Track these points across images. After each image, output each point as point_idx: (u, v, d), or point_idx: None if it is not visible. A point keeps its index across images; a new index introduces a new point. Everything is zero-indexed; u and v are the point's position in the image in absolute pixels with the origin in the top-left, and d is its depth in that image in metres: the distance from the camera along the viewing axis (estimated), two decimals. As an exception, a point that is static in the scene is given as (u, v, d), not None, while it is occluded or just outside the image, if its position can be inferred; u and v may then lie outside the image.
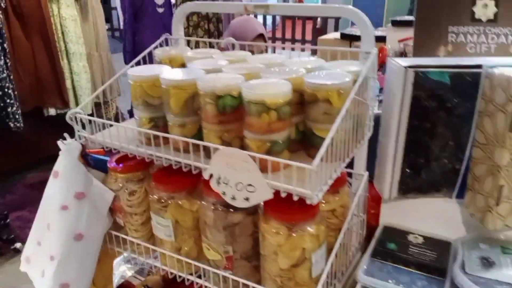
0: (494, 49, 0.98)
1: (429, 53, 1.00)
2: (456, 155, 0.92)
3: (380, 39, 2.09)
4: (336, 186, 0.90)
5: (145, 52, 1.13)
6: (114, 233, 1.08)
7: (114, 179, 1.05)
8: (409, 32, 2.30)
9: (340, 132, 0.79)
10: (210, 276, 0.93)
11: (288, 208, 0.79)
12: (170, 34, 1.22)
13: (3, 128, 2.99)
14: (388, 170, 0.96)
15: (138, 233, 1.05)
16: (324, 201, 0.91)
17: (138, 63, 1.10)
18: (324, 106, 0.81)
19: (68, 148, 1.01)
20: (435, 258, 0.91)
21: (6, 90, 2.92)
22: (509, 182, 0.86)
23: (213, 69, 0.92)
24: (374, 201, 1.07)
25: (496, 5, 0.96)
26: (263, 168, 0.74)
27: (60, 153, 1.02)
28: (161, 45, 1.19)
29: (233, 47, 1.22)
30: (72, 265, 1.03)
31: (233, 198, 0.78)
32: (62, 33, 3.31)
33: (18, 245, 2.78)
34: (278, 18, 8.09)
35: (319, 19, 7.45)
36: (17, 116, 3.01)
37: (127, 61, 3.68)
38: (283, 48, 7.03)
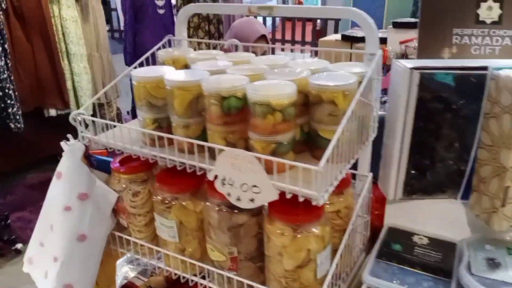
0: (499, 51, 0.98)
1: (434, 55, 1.00)
2: (461, 157, 0.92)
3: (381, 41, 2.09)
4: (341, 187, 0.90)
5: (148, 53, 1.13)
6: (117, 234, 1.07)
7: (118, 180, 1.05)
8: (410, 34, 2.32)
9: (346, 133, 0.78)
10: (215, 277, 0.93)
11: (293, 209, 0.79)
12: (170, 34, 1.22)
13: (3, 128, 3.00)
14: (393, 171, 0.96)
15: (141, 234, 1.05)
16: (328, 202, 0.91)
17: (141, 64, 1.09)
18: (329, 108, 0.81)
19: (71, 149, 1.01)
20: (441, 259, 0.91)
21: (6, 91, 2.92)
22: (514, 183, 0.86)
23: (217, 70, 0.92)
24: (378, 202, 1.07)
25: (501, 8, 0.96)
26: (268, 169, 0.74)
27: (63, 154, 1.02)
28: (163, 46, 1.19)
29: (236, 48, 1.22)
30: (75, 266, 1.02)
31: (238, 199, 0.77)
32: (63, 34, 3.31)
33: (19, 245, 2.77)
34: (277, 20, 8.09)
35: (318, 21, 7.46)
36: (17, 117, 3.01)
37: (127, 62, 3.68)
38: (282, 50, 7.03)
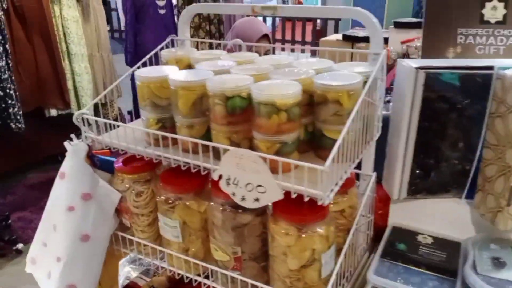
0: (503, 51, 0.98)
1: (438, 55, 1.00)
2: (466, 156, 0.92)
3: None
4: (345, 187, 0.90)
5: (152, 53, 1.12)
6: (120, 234, 1.07)
7: (121, 180, 1.05)
8: (411, 34, 2.32)
9: (351, 133, 0.78)
10: (218, 276, 0.93)
11: (298, 209, 0.79)
12: (171, 34, 1.22)
13: (4, 128, 2.99)
14: (398, 171, 0.96)
15: (144, 234, 1.05)
16: (332, 202, 0.91)
17: (143, 64, 1.09)
18: (334, 107, 0.81)
19: (74, 149, 1.01)
20: (445, 258, 0.91)
21: (7, 91, 2.92)
22: (520, 183, 0.85)
23: (221, 70, 0.92)
24: (381, 202, 1.07)
25: (506, 7, 0.96)
26: (273, 169, 0.74)
27: (66, 154, 1.01)
28: (166, 46, 1.18)
29: (239, 48, 1.21)
30: (79, 266, 1.02)
31: (243, 199, 0.77)
32: (64, 34, 3.31)
33: (20, 246, 2.76)
34: (277, 20, 8.09)
35: (318, 21, 7.46)
36: (18, 117, 3.01)
37: (128, 62, 3.68)
38: (283, 49, 7.03)
